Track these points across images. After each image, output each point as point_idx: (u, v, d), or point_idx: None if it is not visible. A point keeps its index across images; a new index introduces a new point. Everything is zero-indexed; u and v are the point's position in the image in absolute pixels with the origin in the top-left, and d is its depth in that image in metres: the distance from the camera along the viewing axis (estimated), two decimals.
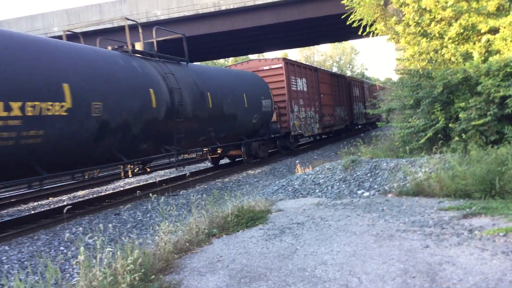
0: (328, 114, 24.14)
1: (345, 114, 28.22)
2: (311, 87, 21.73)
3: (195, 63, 17.26)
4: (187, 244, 5.27)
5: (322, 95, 23.12)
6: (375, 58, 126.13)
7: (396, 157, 9.71)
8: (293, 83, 19.44)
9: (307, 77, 21.31)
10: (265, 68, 18.97)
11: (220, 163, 17.05)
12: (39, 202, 10.98)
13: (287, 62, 19.35)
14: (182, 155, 13.32)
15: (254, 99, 15.67)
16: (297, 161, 12.45)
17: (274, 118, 18.01)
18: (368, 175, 8.54)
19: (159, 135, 10.70)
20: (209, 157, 16.09)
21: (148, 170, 12.39)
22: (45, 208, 10.28)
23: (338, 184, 8.57)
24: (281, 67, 18.69)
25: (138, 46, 11.57)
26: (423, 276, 3.82)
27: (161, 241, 5.00)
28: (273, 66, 18.83)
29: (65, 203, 10.63)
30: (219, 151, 15.43)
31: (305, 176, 9.29)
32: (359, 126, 34.85)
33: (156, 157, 11.60)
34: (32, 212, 10.00)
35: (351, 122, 30.06)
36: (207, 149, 14.03)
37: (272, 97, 17.36)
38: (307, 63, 23.46)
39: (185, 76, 12.15)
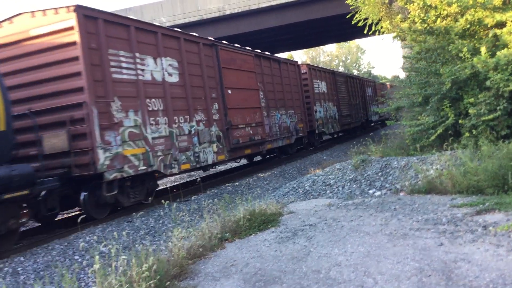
0: (247, 125, 14.06)
1: (297, 121, 18.54)
2: (196, 77, 11.84)
3: None
4: (200, 249, 5.29)
5: (230, 91, 13.32)
6: (381, 57, 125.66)
7: (406, 155, 9.68)
8: (121, 64, 9.29)
9: (182, 57, 11.28)
10: (38, 31, 8.84)
11: None
12: (52, 212, 11.04)
13: (89, 15, 8.71)
14: None
15: None
16: None
17: (57, 143, 8.36)
18: (379, 174, 8.51)
19: None
20: None
21: None
22: (58, 218, 10.34)
23: (349, 184, 8.55)
24: (71, 28, 8.47)
25: None
26: (439, 274, 3.80)
27: (174, 247, 5.02)
28: (54, 27, 8.63)
29: (77, 212, 10.70)
30: None
31: (316, 177, 9.28)
32: (327, 136, 25.34)
33: None
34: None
35: (311, 132, 20.50)
36: None
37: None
38: (181, 31, 11.93)
39: None
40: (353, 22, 15.78)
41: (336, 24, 26.96)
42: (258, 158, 18.67)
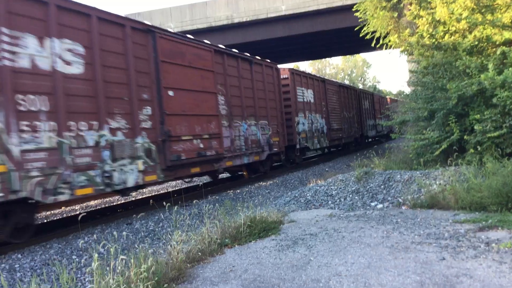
0: (195, 137, 11.04)
1: (271, 134, 15.42)
2: (116, 71, 9.02)
3: None
4: (199, 253, 5.24)
5: (172, 93, 10.39)
6: (387, 72, 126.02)
7: (409, 169, 9.63)
8: None
9: (93, 42, 8.48)
10: None
11: None
12: (52, 212, 11.05)
13: None
14: None
15: None
16: None
17: None
18: (382, 187, 8.46)
19: None
20: None
21: None
22: (58, 217, 10.34)
23: (351, 195, 8.50)
24: None
25: None
26: None
27: (173, 250, 4.98)
28: None
29: (77, 212, 10.68)
30: None
31: (318, 188, 9.24)
32: (314, 153, 22.81)
33: None
34: (45, 220, 10.06)
35: (291, 147, 17.76)
36: None
37: None
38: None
39: None
40: (361, 35, 15.81)
41: (343, 37, 27.07)
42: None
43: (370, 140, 33.24)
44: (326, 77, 30.83)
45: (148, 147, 9.49)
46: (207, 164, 11.58)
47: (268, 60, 16.02)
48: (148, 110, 9.63)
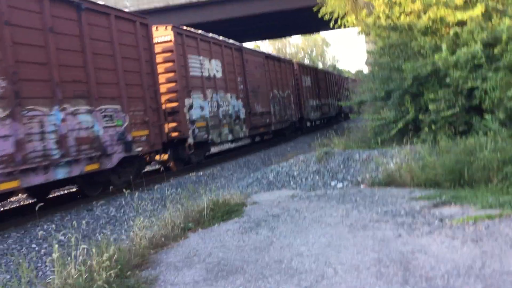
0: None
1: (129, 125, 9.87)
2: None
3: None
4: (162, 239, 5.24)
5: None
6: (346, 50, 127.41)
7: (368, 148, 9.87)
8: None
9: None
10: None
11: None
12: (8, 200, 10.71)
13: None
14: None
15: None
16: None
17: None
18: (341, 166, 8.65)
19: None
20: None
21: None
22: (15, 205, 10.05)
23: (312, 176, 8.65)
24: None
25: None
26: (397, 264, 3.91)
27: (136, 237, 4.96)
28: None
29: (35, 199, 10.40)
30: None
31: (280, 169, 9.35)
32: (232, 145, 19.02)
33: None
34: (1, 209, 9.76)
35: (178, 142, 12.41)
36: None
37: None
38: None
39: None
40: (320, 16, 15.85)
41: (302, 16, 27.06)
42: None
43: (315, 123, 28.74)
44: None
45: None
46: None
47: (126, 10, 11.21)
48: None
